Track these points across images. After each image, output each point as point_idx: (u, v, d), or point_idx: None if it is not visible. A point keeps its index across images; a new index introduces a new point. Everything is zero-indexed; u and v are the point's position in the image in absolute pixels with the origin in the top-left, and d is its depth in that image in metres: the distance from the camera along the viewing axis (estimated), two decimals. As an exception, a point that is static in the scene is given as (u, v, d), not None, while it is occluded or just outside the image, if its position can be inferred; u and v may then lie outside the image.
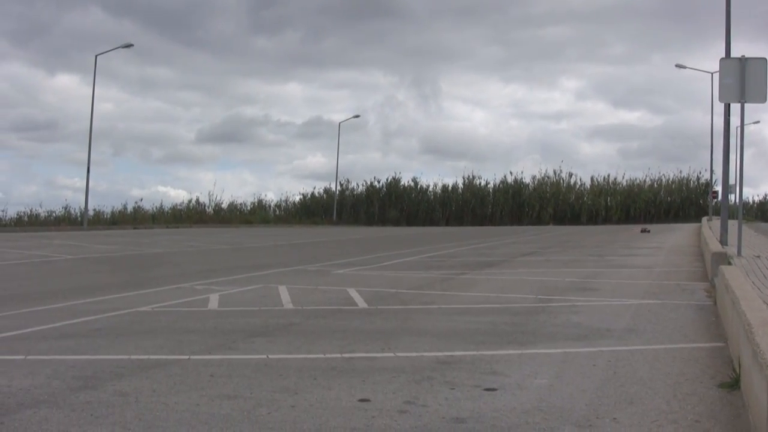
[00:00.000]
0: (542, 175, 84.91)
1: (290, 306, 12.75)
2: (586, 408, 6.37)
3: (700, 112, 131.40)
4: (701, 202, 79.42)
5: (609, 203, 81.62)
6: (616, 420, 6.03)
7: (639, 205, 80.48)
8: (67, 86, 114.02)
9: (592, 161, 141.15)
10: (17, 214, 50.02)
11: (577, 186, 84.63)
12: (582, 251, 27.95)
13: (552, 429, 5.81)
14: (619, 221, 77.42)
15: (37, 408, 6.35)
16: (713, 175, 67.07)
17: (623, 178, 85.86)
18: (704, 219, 55.07)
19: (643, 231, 45.96)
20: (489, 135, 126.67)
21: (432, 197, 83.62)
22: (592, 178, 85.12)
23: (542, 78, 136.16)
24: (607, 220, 78.31)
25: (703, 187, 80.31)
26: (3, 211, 49.82)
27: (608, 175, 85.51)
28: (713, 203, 62.64)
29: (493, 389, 6.98)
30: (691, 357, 8.56)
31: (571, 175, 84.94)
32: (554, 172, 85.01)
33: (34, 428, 5.83)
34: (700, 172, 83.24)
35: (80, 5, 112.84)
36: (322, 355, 8.58)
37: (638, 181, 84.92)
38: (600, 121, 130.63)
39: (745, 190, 79.02)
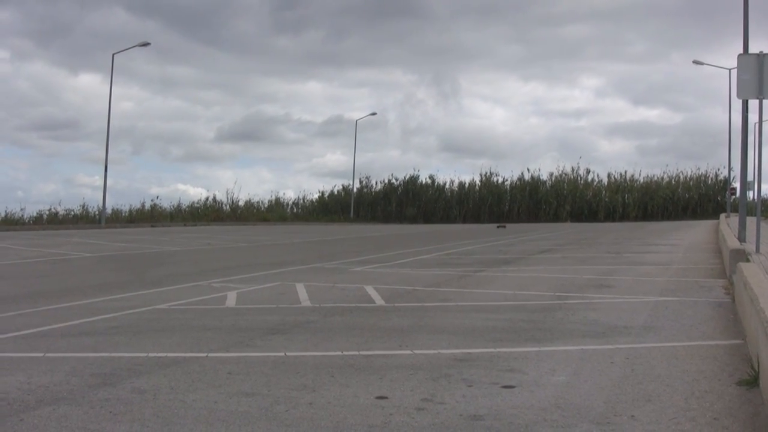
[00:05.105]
0: (560, 172, 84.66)
1: (308, 303, 12.76)
2: (603, 405, 6.36)
3: (719, 109, 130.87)
4: (719, 198, 78.99)
5: (626, 200, 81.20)
6: (634, 417, 6.02)
7: (657, 202, 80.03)
8: (89, 85, 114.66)
9: (611, 159, 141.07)
10: (37, 213, 50.28)
11: (595, 183, 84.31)
12: (599, 248, 27.88)
13: (570, 426, 5.80)
14: (636, 218, 77.08)
15: (56, 405, 6.38)
16: (731, 172, 66.74)
17: (640, 175, 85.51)
18: (722, 216, 54.74)
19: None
20: (508, 133, 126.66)
21: (449, 195, 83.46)
22: (609, 175, 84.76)
23: (562, 76, 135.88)
24: (624, 217, 77.92)
25: (721, 184, 79.79)
26: (22, 209, 50.06)
27: (625, 172, 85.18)
28: (731, 200, 62.31)
29: (511, 386, 6.97)
30: (710, 354, 8.54)
31: (588, 171, 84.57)
32: (572, 169, 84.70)
33: (53, 425, 5.86)
34: (718, 169, 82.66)
35: (103, 5, 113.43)
36: (339, 353, 8.60)
37: (656, 178, 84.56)
38: (619, 118, 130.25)
39: (763, 186, 78.56)
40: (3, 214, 48.21)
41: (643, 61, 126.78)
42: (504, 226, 47.35)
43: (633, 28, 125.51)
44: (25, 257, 23.64)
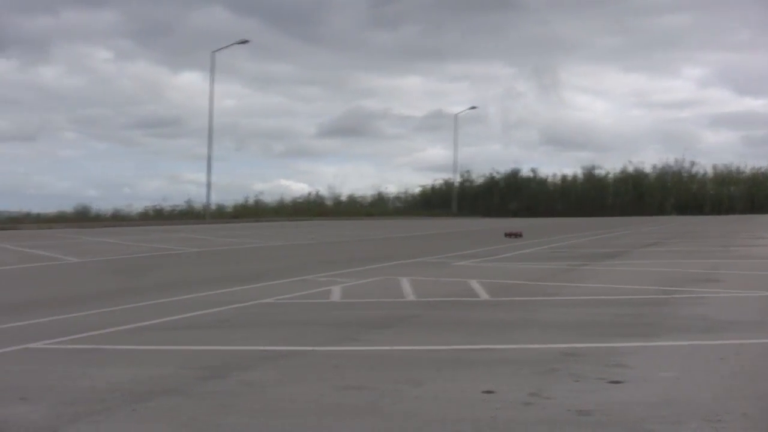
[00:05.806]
0: (663, 164, 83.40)
1: (412, 297, 12.79)
2: (713, 402, 6.23)
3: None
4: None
5: (733, 192, 79.62)
6: (745, 415, 5.89)
7: (765, 194, 78.37)
8: (190, 83, 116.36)
9: (716, 150, 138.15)
10: (143, 209, 51.57)
11: (699, 175, 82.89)
12: (705, 241, 27.39)
13: (679, 423, 5.70)
14: (743, 211, 75.48)
15: (167, 396, 6.50)
16: None
17: (746, 166, 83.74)
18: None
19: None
20: (610, 125, 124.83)
21: (551, 188, 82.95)
22: (714, 167, 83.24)
23: (663, 66, 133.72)
24: (730, 210, 76.39)
25: (833, 176, 77.85)
26: (129, 205, 51.39)
27: (731, 164, 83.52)
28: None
29: (619, 382, 6.88)
30: (824, 350, 8.33)
31: (693, 164, 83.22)
32: (676, 161, 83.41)
33: (164, 415, 5.97)
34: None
35: (204, 5, 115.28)
36: (445, 347, 8.60)
37: (763, 169, 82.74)
38: (724, 108, 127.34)
39: None
40: (112, 210, 49.55)
41: (746, 50, 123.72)
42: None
43: (734, 15, 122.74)
44: (134, 252, 24.18)
